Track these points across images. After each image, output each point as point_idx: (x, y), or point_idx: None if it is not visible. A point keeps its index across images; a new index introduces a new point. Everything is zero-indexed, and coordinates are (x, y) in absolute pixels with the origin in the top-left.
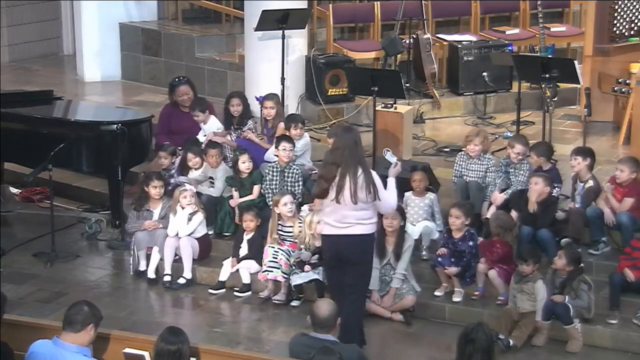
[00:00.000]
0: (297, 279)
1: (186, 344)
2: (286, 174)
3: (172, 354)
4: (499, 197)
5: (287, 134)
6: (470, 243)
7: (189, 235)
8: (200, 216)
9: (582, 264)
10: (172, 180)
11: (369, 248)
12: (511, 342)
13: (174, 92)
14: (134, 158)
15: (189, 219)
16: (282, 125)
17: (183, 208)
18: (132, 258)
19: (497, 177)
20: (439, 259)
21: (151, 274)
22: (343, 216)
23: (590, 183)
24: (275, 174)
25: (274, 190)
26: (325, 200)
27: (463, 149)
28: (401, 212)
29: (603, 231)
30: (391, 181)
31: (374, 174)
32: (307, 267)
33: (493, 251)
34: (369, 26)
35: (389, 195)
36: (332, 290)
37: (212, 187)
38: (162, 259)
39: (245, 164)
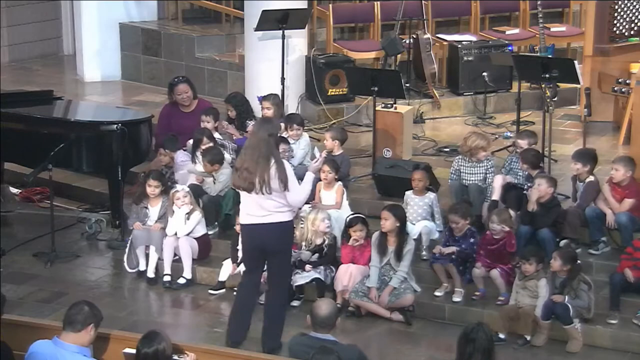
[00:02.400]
0: (299, 279)
1: (163, 343)
2: None
3: (152, 357)
4: (506, 178)
5: (285, 134)
6: (472, 240)
7: (188, 234)
8: (197, 215)
9: (578, 262)
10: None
11: (288, 235)
12: (527, 337)
13: (173, 91)
14: (134, 158)
15: (186, 219)
16: (281, 125)
17: (179, 208)
18: (126, 255)
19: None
20: (437, 255)
21: (150, 274)
22: (261, 206)
23: (591, 178)
24: None
25: None
26: (241, 191)
27: (461, 153)
28: (396, 213)
29: (603, 231)
30: (309, 176)
31: (287, 165)
32: (307, 267)
33: (512, 244)
34: (369, 26)
35: (300, 190)
36: (248, 279)
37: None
38: (160, 259)
39: None
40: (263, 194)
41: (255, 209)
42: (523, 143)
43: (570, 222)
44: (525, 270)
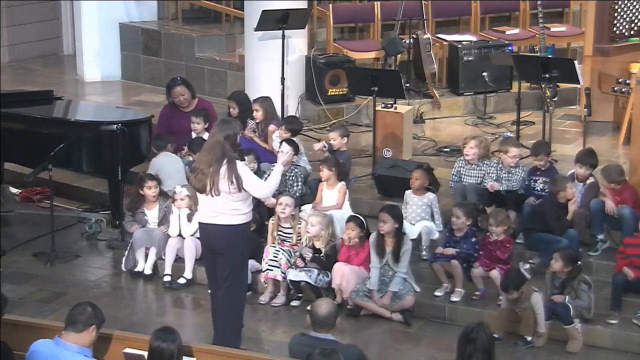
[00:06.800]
0: (291, 275)
1: (178, 341)
2: (287, 175)
3: (166, 353)
4: (495, 185)
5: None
6: (473, 240)
7: (192, 235)
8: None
9: (579, 262)
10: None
11: (236, 239)
12: (528, 338)
13: (170, 94)
14: (134, 158)
15: (189, 219)
16: (271, 127)
17: (179, 209)
18: (125, 258)
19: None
20: (437, 255)
21: (148, 271)
22: (213, 206)
23: (591, 179)
24: None
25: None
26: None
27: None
28: (395, 214)
29: (603, 227)
30: (278, 168)
31: (241, 165)
32: (299, 262)
33: (505, 248)
34: (369, 26)
35: (265, 184)
36: (208, 278)
37: None
38: (160, 259)
39: (250, 165)
40: (212, 195)
41: (207, 209)
42: (518, 151)
43: (577, 224)
44: (512, 298)
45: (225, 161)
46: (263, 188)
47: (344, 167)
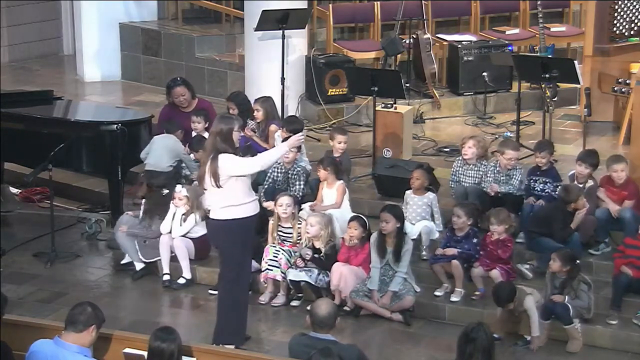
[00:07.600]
0: (291, 275)
1: (178, 340)
2: (290, 175)
3: (166, 352)
4: (495, 187)
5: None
6: (475, 240)
7: (183, 235)
8: (192, 217)
9: (578, 261)
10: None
11: (226, 234)
12: (528, 338)
13: (170, 94)
14: (134, 158)
15: (183, 220)
16: (273, 127)
17: (177, 207)
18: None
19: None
20: (438, 256)
21: (139, 266)
22: (208, 200)
23: (590, 182)
24: (278, 174)
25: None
26: None
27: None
28: (397, 213)
29: (608, 233)
30: (281, 147)
31: (225, 157)
32: (299, 262)
33: (506, 247)
34: (369, 26)
35: (260, 156)
36: None
37: None
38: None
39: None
40: (202, 189)
41: (208, 203)
42: (515, 154)
43: (585, 229)
44: (508, 309)
45: (211, 156)
46: (254, 162)
47: (341, 165)
